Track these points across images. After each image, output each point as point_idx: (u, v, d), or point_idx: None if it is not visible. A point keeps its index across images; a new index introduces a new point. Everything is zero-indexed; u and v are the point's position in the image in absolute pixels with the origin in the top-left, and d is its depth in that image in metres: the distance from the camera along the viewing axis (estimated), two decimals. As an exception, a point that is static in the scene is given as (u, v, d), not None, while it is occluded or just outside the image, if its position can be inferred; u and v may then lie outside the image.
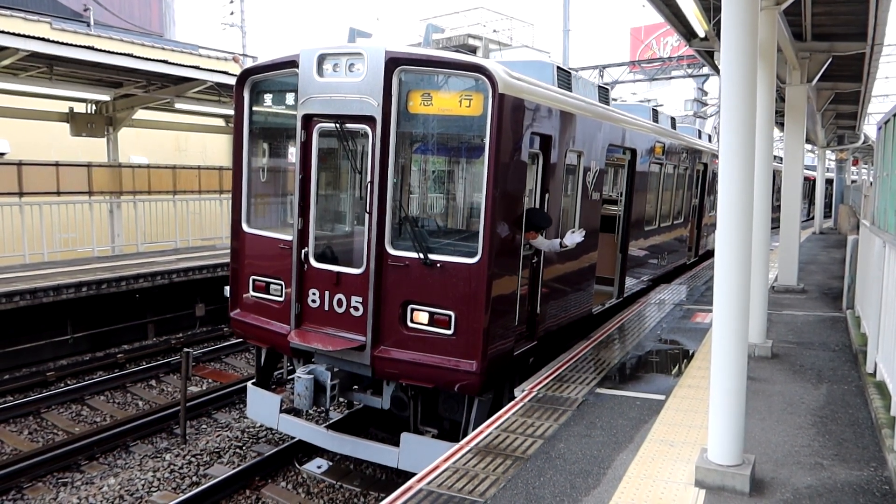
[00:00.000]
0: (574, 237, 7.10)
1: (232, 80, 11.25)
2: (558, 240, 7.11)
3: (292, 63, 6.74)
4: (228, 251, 7.91)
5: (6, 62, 10.94)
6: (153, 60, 12.79)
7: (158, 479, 7.46)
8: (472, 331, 6.05)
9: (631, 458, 4.82)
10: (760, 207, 7.51)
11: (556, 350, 7.72)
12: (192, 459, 7.98)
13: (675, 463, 4.74)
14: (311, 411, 8.80)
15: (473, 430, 5.76)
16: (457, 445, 5.15)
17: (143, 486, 7.32)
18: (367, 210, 6.36)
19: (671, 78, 30.35)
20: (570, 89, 8.03)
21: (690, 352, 7.82)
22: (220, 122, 17.97)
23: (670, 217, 12.94)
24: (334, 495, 7.23)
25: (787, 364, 7.21)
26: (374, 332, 6.40)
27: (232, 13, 33.51)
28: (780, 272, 11.80)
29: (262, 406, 7.61)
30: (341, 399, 7.31)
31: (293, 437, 7.90)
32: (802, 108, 11.96)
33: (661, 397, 6.14)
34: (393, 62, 6.17)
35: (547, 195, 7.08)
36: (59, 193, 13.86)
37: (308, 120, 6.71)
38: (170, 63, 13.22)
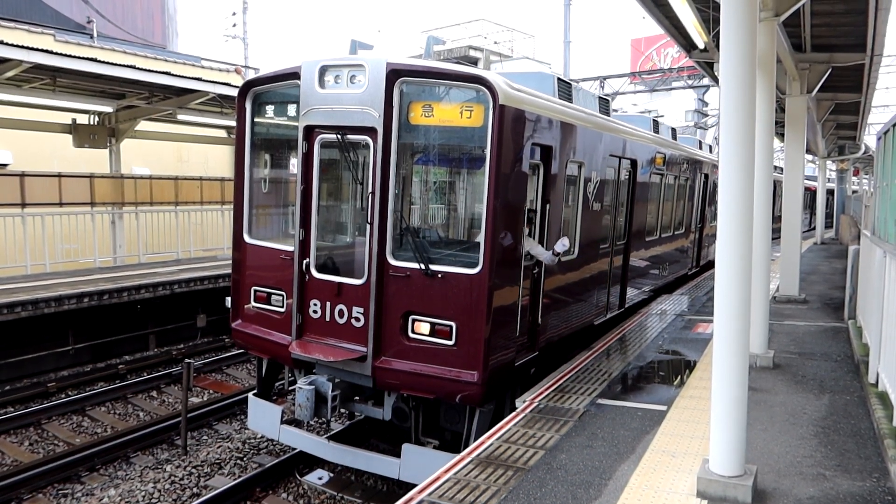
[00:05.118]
0: (562, 242, 6.99)
1: (234, 92, 11.30)
2: (550, 251, 7.05)
3: (294, 74, 6.78)
4: (230, 262, 7.93)
5: (10, 74, 11.01)
6: (156, 72, 12.87)
7: (159, 491, 7.44)
8: (473, 341, 6.04)
9: (632, 469, 4.81)
10: (761, 217, 7.52)
11: (558, 360, 7.71)
12: (193, 471, 7.96)
13: (677, 474, 4.72)
14: (312, 422, 8.79)
15: (475, 440, 5.74)
16: (458, 456, 5.15)
17: (144, 497, 7.30)
18: (369, 221, 6.38)
19: (672, 89, 30.44)
20: (570, 100, 8.06)
21: (692, 362, 7.81)
22: (222, 134, 18.04)
23: (671, 227, 12.95)
24: (335, 507, 7.22)
25: (789, 374, 7.20)
26: (376, 343, 6.40)
27: (234, 25, 33.72)
28: (782, 282, 11.79)
29: (263, 417, 7.61)
30: (342, 410, 7.30)
31: (294, 448, 7.89)
32: (802, 119, 11.99)
33: (663, 408, 6.13)
34: (394, 73, 6.21)
35: (548, 206, 7.10)
36: (61, 204, 13.90)
37: (310, 131, 6.75)
38: (172, 75, 13.30)
